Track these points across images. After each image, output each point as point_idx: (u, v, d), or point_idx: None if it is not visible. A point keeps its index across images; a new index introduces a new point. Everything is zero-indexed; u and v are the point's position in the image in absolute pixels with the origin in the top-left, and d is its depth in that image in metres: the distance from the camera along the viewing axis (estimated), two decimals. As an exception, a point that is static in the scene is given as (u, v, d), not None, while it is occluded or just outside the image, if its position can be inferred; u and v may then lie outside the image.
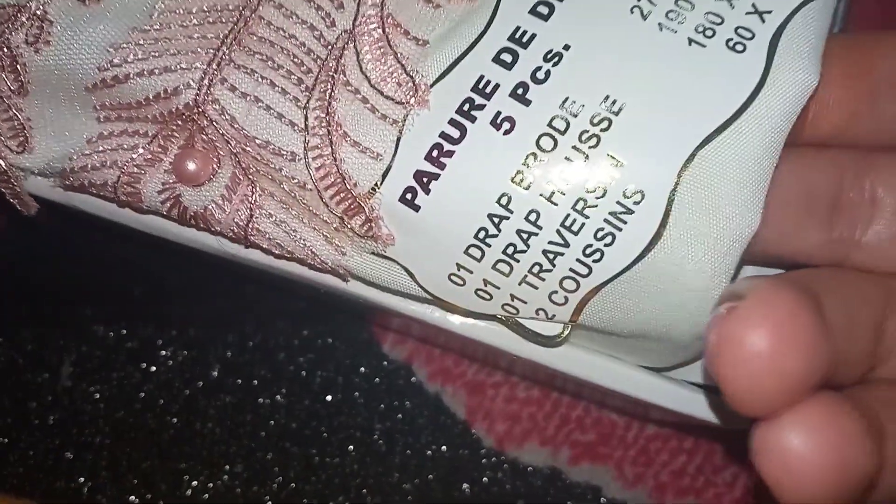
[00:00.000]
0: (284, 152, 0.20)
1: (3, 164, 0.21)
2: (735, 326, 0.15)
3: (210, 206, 0.20)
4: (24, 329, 0.33)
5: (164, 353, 0.33)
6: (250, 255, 0.22)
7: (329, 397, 0.33)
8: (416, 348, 0.33)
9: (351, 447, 0.32)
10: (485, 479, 0.32)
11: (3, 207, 0.24)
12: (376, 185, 0.19)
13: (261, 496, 0.32)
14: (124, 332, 0.33)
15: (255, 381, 0.33)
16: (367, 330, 0.33)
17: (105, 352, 0.33)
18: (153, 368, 0.33)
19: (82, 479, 0.32)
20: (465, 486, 0.32)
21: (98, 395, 0.32)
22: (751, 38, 0.19)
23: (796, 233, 0.20)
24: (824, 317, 0.16)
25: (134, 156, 0.20)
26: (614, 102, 0.18)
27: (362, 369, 0.33)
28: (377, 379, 0.33)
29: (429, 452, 0.32)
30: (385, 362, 0.33)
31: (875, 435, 0.16)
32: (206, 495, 0.32)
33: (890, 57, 0.20)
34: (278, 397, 0.32)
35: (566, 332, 0.21)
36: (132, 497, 0.32)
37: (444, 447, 0.32)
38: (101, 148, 0.21)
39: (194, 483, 0.32)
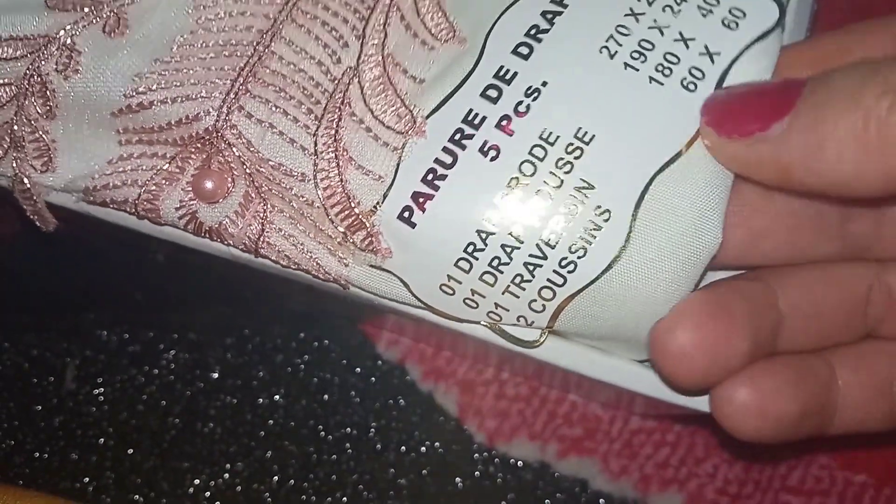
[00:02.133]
0: (295, 173, 0.21)
1: (27, 182, 0.22)
2: (665, 327, 0.20)
3: (224, 221, 0.22)
4: (29, 334, 0.33)
5: (165, 356, 0.33)
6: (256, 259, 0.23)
7: (326, 397, 0.33)
8: (410, 349, 0.33)
9: (347, 445, 0.33)
10: (476, 473, 0.32)
11: (13, 218, 0.24)
12: (377, 203, 0.21)
13: (261, 493, 0.32)
14: (127, 336, 0.33)
15: (254, 382, 0.33)
16: (361, 332, 0.33)
17: (108, 356, 0.33)
18: (155, 371, 0.33)
19: (87, 480, 0.32)
20: (457, 480, 0.32)
21: (102, 398, 0.33)
22: (701, 79, 0.21)
23: (811, 248, 0.22)
24: (756, 313, 0.20)
25: (154, 175, 0.22)
26: (585, 133, 0.20)
27: (357, 370, 0.33)
28: (372, 379, 0.33)
29: (422, 449, 0.33)
30: (379, 362, 0.33)
31: (808, 385, 0.21)
32: (208, 493, 0.32)
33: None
34: (277, 397, 0.33)
35: (543, 338, 0.22)
36: (136, 496, 0.32)
37: (437, 444, 0.33)
38: (121, 168, 0.22)
39: (196, 481, 0.32)
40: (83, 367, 0.33)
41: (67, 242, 0.33)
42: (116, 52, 0.21)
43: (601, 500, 0.32)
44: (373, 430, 0.33)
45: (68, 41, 0.21)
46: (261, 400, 0.33)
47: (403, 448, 0.33)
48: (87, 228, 0.33)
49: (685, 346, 0.20)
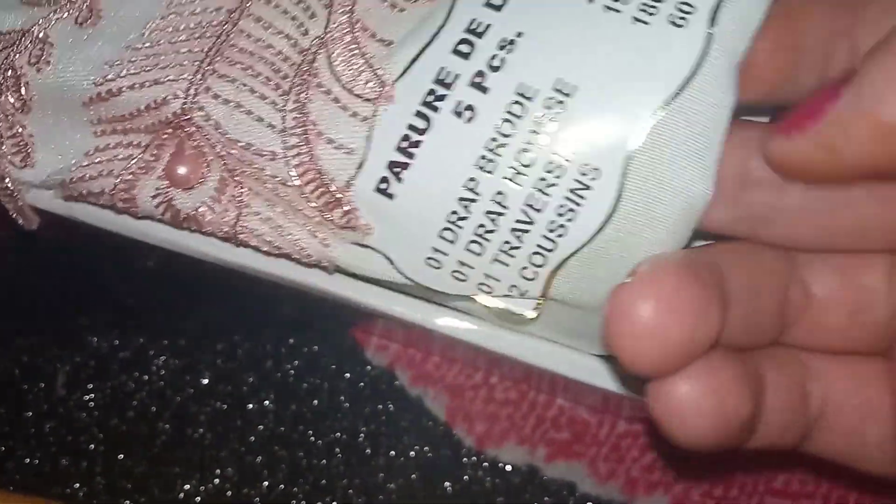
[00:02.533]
0: (265, 152, 0.20)
1: (8, 181, 0.22)
2: (625, 299, 0.17)
3: (201, 208, 0.21)
4: (20, 340, 0.33)
5: (156, 361, 0.33)
6: (243, 261, 0.23)
7: (315, 402, 0.33)
8: (399, 354, 0.33)
9: (337, 450, 0.33)
10: (466, 477, 0.32)
11: (2, 223, 0.24)
12: (352, 177, 0.20)
13: (251, 498, 0.32)
14: (117, 342, 0.33)
15: (244, 388, 0.33)
16: (350, 337, 0.34)
17: (99, 361, 0.33)
18: (145, 377, 0.33)
19: (77, 485, 0.32)
20: (446, 484, 0.32)
21: (92, 404, 0.33)
22: (691, 13, 0.19)
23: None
24: (719, 288, 0.18)
25: (129, 164, 0.21)
26: (566, 84, 0.19)
27: (347, 375, 0.33)
28: (361, 384, 0.33)
29: (412, 453, 0.33)
30: (369, 367, 0.33)
31: (753, 384, 0.18)
32: (198, 498, 0.32)
33: (814, 32, 0.20)
34: (266, 403, 0.33)
35: (539, 311, 0.21)
36: (126, 501, 0.32)
37: (426, 448, 0.33)
38: (98, 159, 0.21)
39: (186, 487, 0.32)
40: (74, 372, 0.33)
41: (58, 249, 0.34)
42: (88, 42, 0.21)
43: (589, 504, 0.33)
44: (362, 434, 0.33)
45: (41, 34, 0.21)
46: (251, 405, 0.33)
47: (393, 452, 0.33)
48: (78, 235, 0.33)
49: (651, 320, 0.17)
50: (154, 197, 0.21)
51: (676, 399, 0.17)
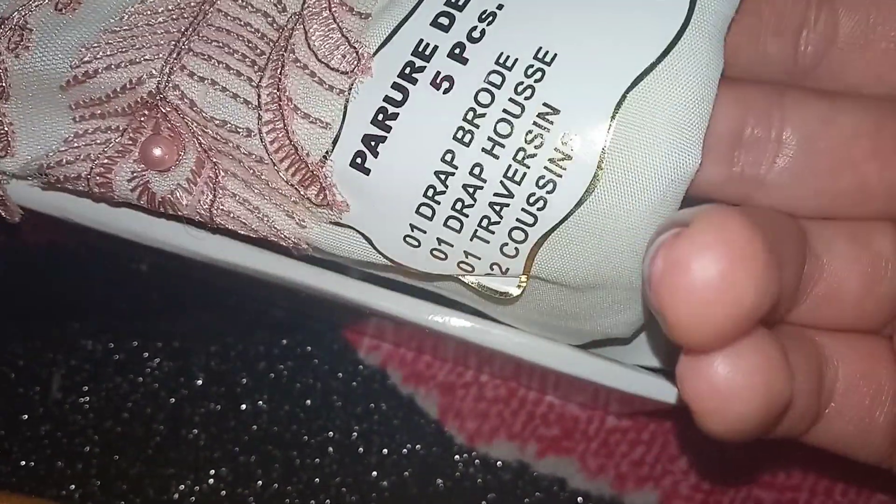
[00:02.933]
0: (240, 129, 0.20)
1: None
2: (683, 250, 0.14)
3: (177, 191, 0.21)
4: (15, 344, 0.33)
5: (150, 364, 0.33)
6: (227, 257, 0.23)
7: (308, 402, 0.33)
8: (390, 353, 0.34)
9: (330, 448, 0.33)
10: (457, 474, 0.33)
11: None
12: (327, 153, 0.20)
13: (245, 498, 0.32)
14: (111, 345, 0.33)
15: (238, 389, 0.33)
16: (342, 338, 0.34)
17: (93, 364, 0.33)
18: (140, 379, 0.33)
19: (73, 487, 0.32)
20: (438, 481, 0.33)
21: (87, 406, 0.33)
22: None
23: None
24: (778, 246, 0.15)
25: (106, 148, 0.21)
26: (546, 53, 0.18)
27: (339, 375, 0.34)
28: (354, 383, 0.34)
29: (404, 451, 0.33)
30: (361, 367, 0.34)
31: (789, 365, 0.16)
32: (193, 498, 0.32)
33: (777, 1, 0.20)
34: (260, 403, 0.33)
35: (521, 289, 0.20)
36: (122, 503, 0.32)
37: (418, 446, 0.33)
38: (76, 144, 0.21)
39: (181, 487, 0.32)
40: (69, 376, 0.33)
41: (51, 253, 0.34)
42: (67, 27, 0.21)
43: (579, 499, 0.33)
44: (355, 433, 0.33)
45: (21, 21, 0.21)
46: (244, 406, 0.33)
47: (385, 451, 0.33)
48: (71, 239, 0.34)
49: (719, 276, 0.14)
50: (130, 181, 0.21)
51: (720, 379, 0.15)
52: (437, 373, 0.34)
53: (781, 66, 0.20)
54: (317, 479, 0.33)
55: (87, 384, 0.33)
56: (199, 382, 0.34)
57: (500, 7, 0.19)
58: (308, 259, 0.22)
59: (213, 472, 0.33)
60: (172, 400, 0.33)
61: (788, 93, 0.19)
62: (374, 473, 0.33)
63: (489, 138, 0.19)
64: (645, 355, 0.25)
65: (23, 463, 0.33)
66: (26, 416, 0.33)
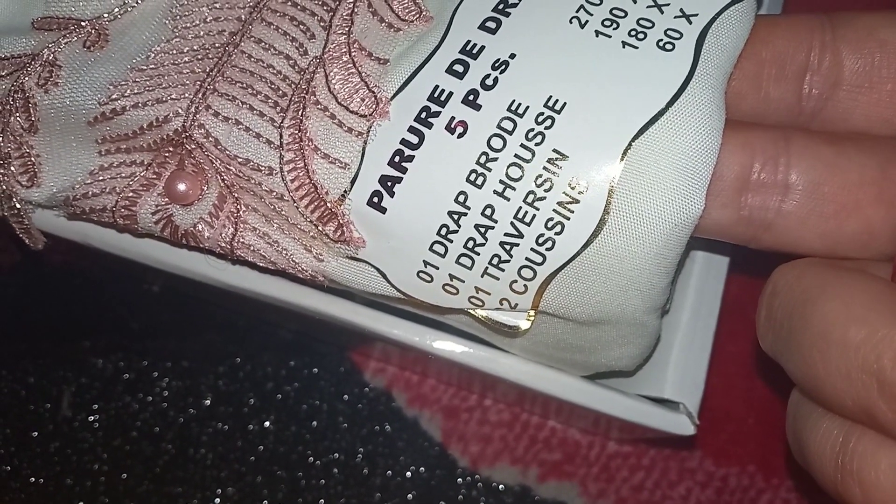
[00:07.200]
0: (263, 167, 0.21)
1: (14, 201, 0.22)
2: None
3: (199, 224, 0.21)
4: (26, 362, 0.34)
5: (159, 383, 0.34)
6: (242, 284, 0.23)
7: (314, 423, 0.34)
8: (396, 376, 0.34)
9: (335, 470, 0.33)
10: (460, 497, 0.33)
11: (11, 248, 0.24)
12: (346, 191, 0.20)
13: None
14: (121, 364, 0.34)
15: (245, 409, 0.34)
16: (349, 360, 0.34)
17: (103, 383, 0.34)
18: (149, 398, 0.34)
19: (81, 504, 0.32)
20: None
21: (97, 424, 0.33)
22: (679, 38, 0.19)
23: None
24: None
25: (131, 182, 0.21)
26: (556, 102, 0.19)
27: (345, 397, 0.34)
28: (359, 405, 0.34)
29: (408, 473, 0.33)
30: (366, 389, 0.34)
31: None
32: None
33: (774, 43, 0.20)
34: (267, 424, 0.33)
35: (530, 322, 0.21)
36: None
37: (422, 468, 0.33)
38: (101, 178, 0.22)
39: None
40: (79, 394, 0.34)
41: (65, 273, 0.34)
42: (95, 64, 0.21)
43: (581, 522, 0.33)
44: (360, 455, 0.33)
45: (51, 57, 0.21)
46: (251, 426, 0.34)
47: (389, 472, 0.33)
48: (84, 259, 0.34)
49: None
50: (154, 213, 0.21)
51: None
52: (441, 396, 0.34)
53: (786, 110, 0.21)
54: (322, 500, 0.33)
55: (97, 402, 0.34)
56: (207, 402, 0.34)
57: (512, 56, 0.20)
58: (317, 285, 0.23)
59: (219, 491, 0.33)
60: (181, 419, 0.34)
61: (794, 137, 0.20)
62: (378, 495, 0.33)
63: (501, 181, 0.19)
64: (646, 385, 0.25)
65: (32, 479, 0.33)
66: (36, 434, 0.33)
